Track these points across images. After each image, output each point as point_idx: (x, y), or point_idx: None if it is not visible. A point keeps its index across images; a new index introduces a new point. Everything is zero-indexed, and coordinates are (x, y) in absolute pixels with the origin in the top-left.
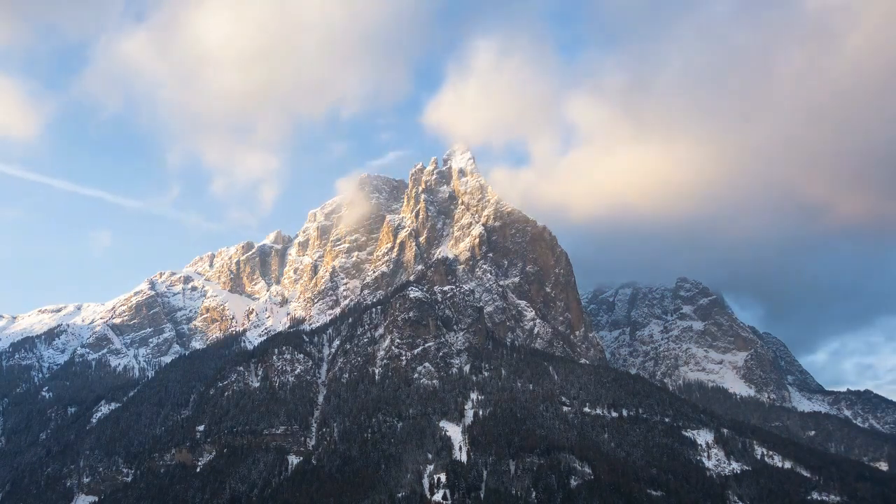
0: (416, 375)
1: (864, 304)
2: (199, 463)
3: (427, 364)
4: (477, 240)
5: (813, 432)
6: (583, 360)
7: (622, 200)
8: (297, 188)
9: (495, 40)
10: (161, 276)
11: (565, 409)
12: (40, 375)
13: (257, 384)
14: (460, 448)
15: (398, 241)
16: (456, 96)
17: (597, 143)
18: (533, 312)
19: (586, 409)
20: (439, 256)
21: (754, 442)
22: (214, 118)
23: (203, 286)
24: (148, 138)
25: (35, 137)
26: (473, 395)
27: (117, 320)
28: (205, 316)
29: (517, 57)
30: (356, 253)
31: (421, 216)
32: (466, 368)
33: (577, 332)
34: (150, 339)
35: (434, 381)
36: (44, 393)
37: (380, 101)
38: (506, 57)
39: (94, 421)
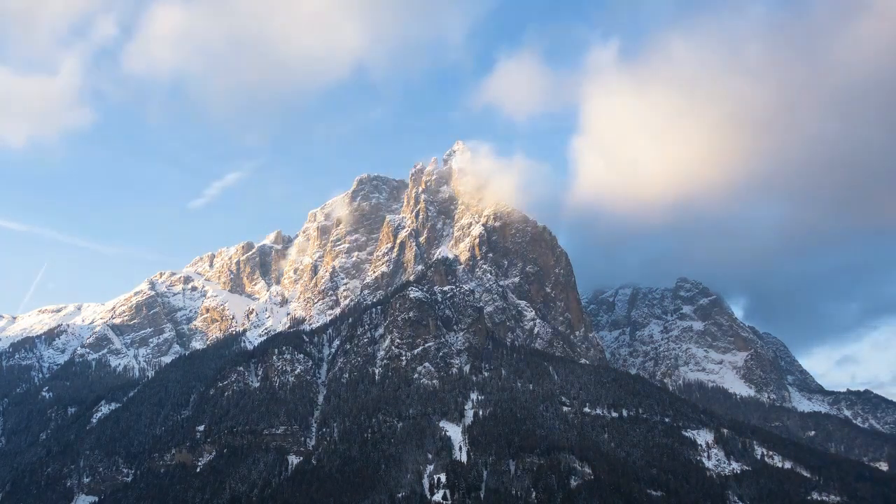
0: (416, 375)
1: (865, 305)
2: (199, 463)
3: (427, 364)
4: (477, 240)
5: (813, 432)
6: (583, 360)
7: (625, 197)
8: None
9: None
10: (161, 276)
11: (565, 409)
12: (40, 375)
13: (257, 384)
14: (460, 448)
15: (398, 241)
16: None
17: (603, 137)
18: (533, 312)
19: (586, 409)
20: (439, 256)
21: (754, 442)
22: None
23: (203, 286)
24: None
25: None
26: (473, 395)
27: (117, 320)
28: (205, 316)
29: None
30: (356, 253)
31: (421, 216)
32: (466, 368)
33: (577, 332)
34: (150, 340)
35: (434, 381)
36: (44, 393)
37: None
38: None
39: (94, 421)
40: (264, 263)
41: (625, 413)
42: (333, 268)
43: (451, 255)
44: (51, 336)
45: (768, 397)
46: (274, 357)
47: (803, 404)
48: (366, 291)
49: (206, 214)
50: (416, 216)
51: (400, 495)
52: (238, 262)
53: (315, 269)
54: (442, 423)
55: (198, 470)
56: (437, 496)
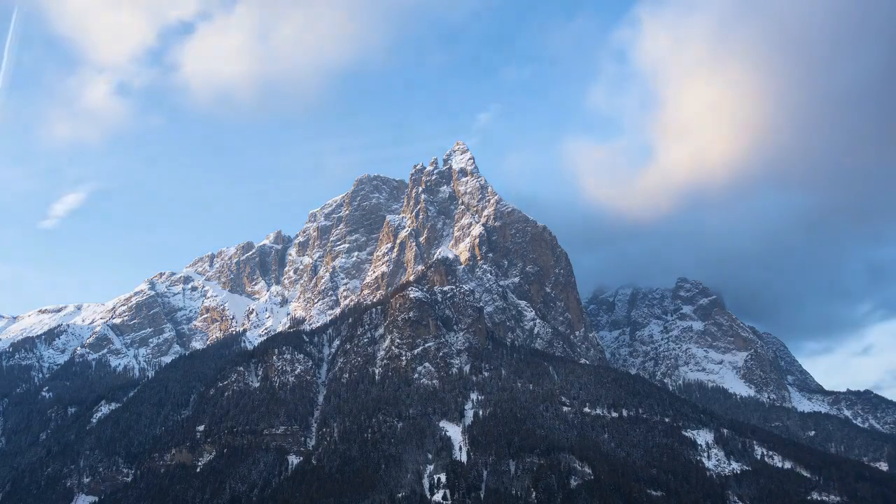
0: (416, 375)
1: (866, 305)
2: (199, 463)
3: (427, 364)
4: (477, 240)
5: (813, 432)
6: (583, 360)
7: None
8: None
9: None
10: (161, 277)
11: (565, 409)
12: (40, 375)
13: (257, 384)
14: (460, 448)
15: (398, 241)
16: None
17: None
18: (533, 312)
19: (586, 409)
20: (439, 256)
21: (754, 442)
22: None
23: (203, 286)
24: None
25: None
26: (473, 395)
27: (117, 320)
28: (205, 316)
29: None
30: (356, 253)
31: (421, 216)
32: (466, 368)
33: (577, 332)
34: (151, 340)
35: (434, 381)
36: (44, 393)
37: None
38: None
39: (94, 421)
40: (264, 263)
41: (625, 413)
42: (333, 268)
43: (451, 255)
44: (51, 336)
45: (768, 397)
46: (274, 357)
47: (803, 404)
48: (366, 291)
49: (205, 211)
50: (416, 216)
51: (400, 495)
52: (238, 263)
53: (315, 269)
54: (442, 423)
55: (198, 470)
56: (437, 496)
